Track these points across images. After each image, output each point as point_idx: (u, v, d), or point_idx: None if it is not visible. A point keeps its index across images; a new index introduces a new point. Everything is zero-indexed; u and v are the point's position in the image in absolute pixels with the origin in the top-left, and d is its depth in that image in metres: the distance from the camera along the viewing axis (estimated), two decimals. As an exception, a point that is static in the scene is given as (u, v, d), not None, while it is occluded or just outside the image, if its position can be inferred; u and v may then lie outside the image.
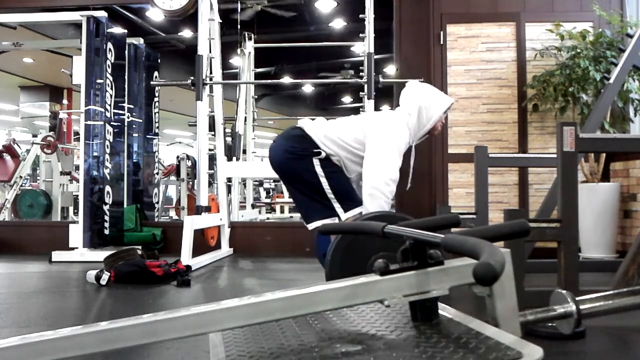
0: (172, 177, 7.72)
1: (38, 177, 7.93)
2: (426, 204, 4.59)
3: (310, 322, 1.11)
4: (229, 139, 6.22)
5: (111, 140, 4.97)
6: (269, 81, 9.48)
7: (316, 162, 2.30)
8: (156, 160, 6.60)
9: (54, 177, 6.96)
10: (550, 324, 1.59)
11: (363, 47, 4.55)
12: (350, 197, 2.32)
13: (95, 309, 2.66)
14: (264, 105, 12.10)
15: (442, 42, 4.67)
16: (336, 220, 2.29)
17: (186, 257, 3.73)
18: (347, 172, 2.38)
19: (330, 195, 2.29)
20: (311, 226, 2.34)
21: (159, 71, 6.30)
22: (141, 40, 5.99)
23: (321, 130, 2.36)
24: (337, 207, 2.28)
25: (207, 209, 4.27)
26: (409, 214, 2.03)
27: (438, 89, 2.58)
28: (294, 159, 2.33)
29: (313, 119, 2.48)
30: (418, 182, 4.50)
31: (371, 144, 2.30)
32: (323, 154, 2.31)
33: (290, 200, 10.65)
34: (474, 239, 0.84)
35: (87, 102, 4.58)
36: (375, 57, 4.35)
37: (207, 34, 4.42)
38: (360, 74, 6.22)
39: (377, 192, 2.23)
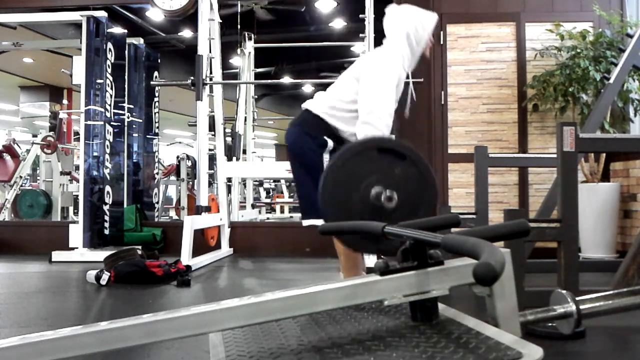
0: (172, 177, 7.72)
1: (38, 177, 7.93)
2: (426, 204, 4.58)
3: (310, 322, 1.11)
4: (229, 139, 6.22)
5: (111, 140, 4.97)
6: (269, 81, 9.47)
7: (326, 157, 2.27)
8: (156, 160, 6.60)
9: (54, 177, 6.96)
10: (550, 324, 1.59)
11: (363, 47, 4.54)
12: None
13: (95, 309, 2.66)
14: (264, 105, 12.09)
15: (442, 42, 4.67)
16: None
17: (186, 257, 3.73)
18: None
19: None
20: (306, 222, 2.32)
21: (159, 71, 6.30)
22: (141, 40, 5.99)
23: (324, 103, 2.31)
24: None
25: (207, 209, 4.27)
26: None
27: (420, 8, 2.44)
28: (304, 150, 2.30)
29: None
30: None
31: (364, 82, 2.22)
32: (330, 144, 2.26)
33: (290, 200, 10.63)
34: (474, 239, 0.84)
35: (87, 102, 4.58)
36: (376, 57, 4.34)
37: (207, 34, 4.42)
38: (360, 74, 6.20)
39: (370, 126, 2.14)
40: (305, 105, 2.39)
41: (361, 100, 2.21)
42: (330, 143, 2.27)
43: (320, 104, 2.33)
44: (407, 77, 2.39)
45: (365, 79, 2.23)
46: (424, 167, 1.70)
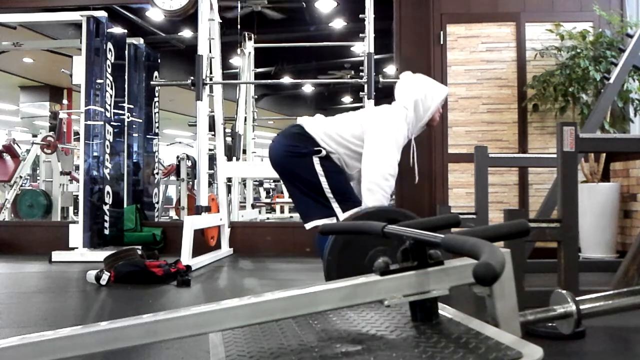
0: (172, 177, 7.72)
1: (38, 177, 7.93)
2: (426, 204, 4.59)
3: (310, 322, 1.11)
4: (229, 139, 6.22)
5: (111, 140, 4.97)
6: (269, 81, 9.48)
7: (316, 160, 2.30)
8: (156, 160, 6.60)
9: (54, 177, 6.96)
10: (550, 324, 1.59)
11: (363, 47, 4.54)
12: (349, 197, 2.32)
13: (95, 309, 2.66)
14: (264, 105, 12.10)
15: (442, 42, 4.67)
16: (334, 220, 2.28)
17: (186, 257, 3.73)
18: (348, 169, 2.37)
19: (329, 195, 2.29)
20: (309, 225, 2.34)
21: (159, 71, 6.30)
22: (141, 40, 5.99)
23: (320, 127, 2.36)
24: (336, 207, 2.28)
25: (207, 209, 4.27)
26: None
27: (433, 79, 2.56)
28: (294, 157, 2.33)
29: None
30: (418, 182, 4.51)
31: (369, 140, 2.30)
32: (323, 152, 2.31)
33: (290, 200, 10.68)
34: (474, 239, 0.84)
35: (87, 102, 4.58)
36: (375, 57, 4.35)
37: (207, 34, 4.42)
38: (360, 74, 6.22)
39: (376, 187, 2.23)
40: (301, 121, 2.42)
41: (366, 164, 2.28)
42: (324, 152, 2.30)
43: (317, 127, 2.37)
44: (410, 142, 2.45)
45: (370, 141, 2.30)
46: None
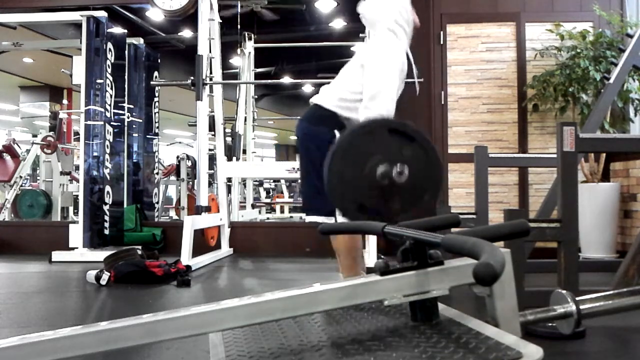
0: (172, 177, 7.72)
1: (38, 177, 7.92)
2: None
3: (310, 322, 1.11)
4: (229, 139, 6.22)
5: (111, 140, 4.96)
6: (269, 81, 9.46)
7: None
8: (156, 160, 6.59)
9: (54, 177, 6.96)
10: (550, 324, 1.59)
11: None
12: None
13: (95, 309, 2.66)
14: (264, 105, 12.08)
15: (442, 42, 4.67)
16: (333, 220, 2.26)
17: (186, 257, 3.73)
18: None
19: None
20: (309, 219, 2.31)
21: (159, 71, 6.29)
22: (141, 40, 5.99)
23: (334, 96, 2.29)
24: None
25: (207, 209, 4.27)
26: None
27: None
28: (312, 146, 2.28)
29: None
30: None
31: (368, 69, 2.22)
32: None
33: (290, 200, 10.58)
34: (474, 239, 0.84)
35: (87, 102, 4.58)
36: (375, 57, 4.34)
37: (207, 34, 4.42)
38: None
39: (373, 111, 2.13)
40: (314, 100, 2.37)
41: (365, 86, 2.21)
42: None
43: (330, 97, 2.31)
44: (409, 58, 2.39)
45: (370, 66, 2.23)
46: (432, 151, 1.68)
